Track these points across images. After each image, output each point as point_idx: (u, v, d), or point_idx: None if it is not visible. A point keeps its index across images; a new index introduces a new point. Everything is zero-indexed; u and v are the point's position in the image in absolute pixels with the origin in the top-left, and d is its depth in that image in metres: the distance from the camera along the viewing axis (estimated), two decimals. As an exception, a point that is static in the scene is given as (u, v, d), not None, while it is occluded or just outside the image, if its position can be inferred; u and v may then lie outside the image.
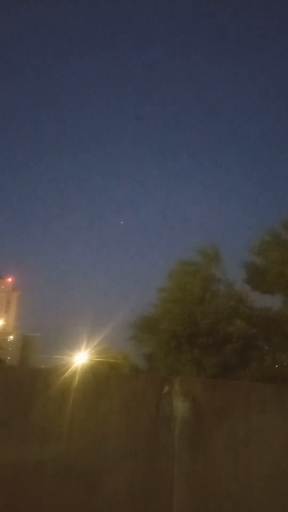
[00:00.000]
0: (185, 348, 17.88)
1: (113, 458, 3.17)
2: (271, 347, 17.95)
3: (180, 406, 3.30)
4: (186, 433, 3.27)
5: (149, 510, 3.13)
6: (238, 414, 3.35)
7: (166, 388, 3.32)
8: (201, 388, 3.43)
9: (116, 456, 3.17)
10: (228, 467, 3.25)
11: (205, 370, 17.18)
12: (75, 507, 3.08)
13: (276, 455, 3.31)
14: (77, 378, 3.26)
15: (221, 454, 3.26)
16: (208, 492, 3.20)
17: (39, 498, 3.07)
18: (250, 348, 17.94)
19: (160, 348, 18.82)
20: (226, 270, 20.19)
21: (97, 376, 3.51)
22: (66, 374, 3.26)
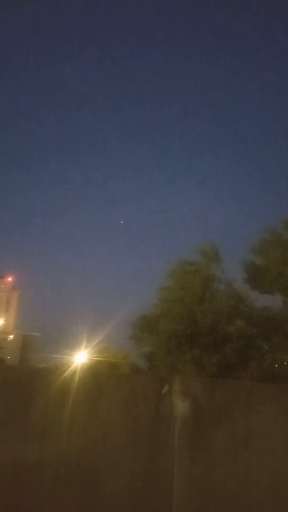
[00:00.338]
0: (185, 347, 17.91)
1: (113, 458, 3.16)
2: (271, 347, 17.97)
3: (180, 406, 3.29)
4: (186, 432, 3.26)
5: (149, 510, 3.13)
6: (238, 413, 3.35)
7: (166, 388, 3.32)
8: (201, 388, 3.42)
9: (116, 455, 3.17)
10: (228, 467, 3.24)
11: (205, 369, 17.20)
12: (75, 507, 3.08)
13: (276, 455, 3.31)
14: (77, 378, 3.26)
15: (221, 454, 3.26)
16: (208, 492, 3.20)
17: (39, 498, 3.06)
18: (250, 347, 17.96)
19: (160, 347, 18.85)
20: (226, 269, 20.25)
21: (97, 375, 3.51)
22: (66, 373, 3.25)
